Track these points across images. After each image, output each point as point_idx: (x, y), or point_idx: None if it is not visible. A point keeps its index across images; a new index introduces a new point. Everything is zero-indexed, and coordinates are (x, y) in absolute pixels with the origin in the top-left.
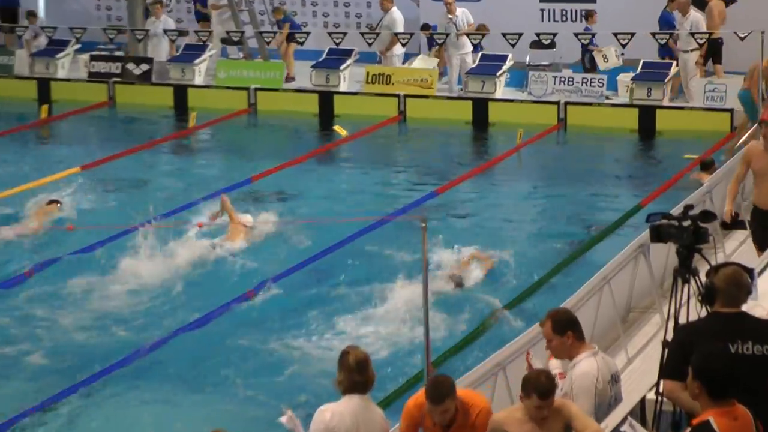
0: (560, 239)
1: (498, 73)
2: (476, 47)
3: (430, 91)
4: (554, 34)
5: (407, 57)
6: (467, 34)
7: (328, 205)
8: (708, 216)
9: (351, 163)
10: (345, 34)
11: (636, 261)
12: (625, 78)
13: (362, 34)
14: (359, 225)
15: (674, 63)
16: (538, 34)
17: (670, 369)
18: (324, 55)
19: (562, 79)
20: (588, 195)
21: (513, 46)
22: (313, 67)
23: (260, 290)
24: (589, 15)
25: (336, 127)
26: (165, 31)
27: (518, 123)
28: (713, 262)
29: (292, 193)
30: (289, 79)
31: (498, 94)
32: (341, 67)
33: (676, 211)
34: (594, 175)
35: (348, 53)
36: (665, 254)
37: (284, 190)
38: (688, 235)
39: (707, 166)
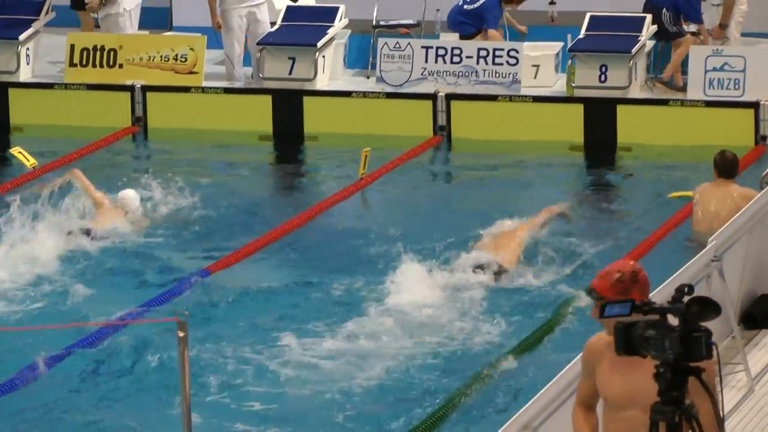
0: (448, 361)
1: (319, 43)
2: None
3: (192, 79)
4: None
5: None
6: None
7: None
8: (708, 307)
9: (42, 211)
10: None
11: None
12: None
13: None
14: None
15: (647, 18)
16: None
17: None
18: None
19: (442, 52)
20: (487, 276)
21: None
22: None
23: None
24: None
25: (16, 151)
26: None
27: (360, 135)
28: (722, 397)
29: None
30: None
31: (320, 83)
32: (21, 37)
33: (659, 296)
34: (501, 233)
35: (33, 9)
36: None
37: None
38: (671, 344)
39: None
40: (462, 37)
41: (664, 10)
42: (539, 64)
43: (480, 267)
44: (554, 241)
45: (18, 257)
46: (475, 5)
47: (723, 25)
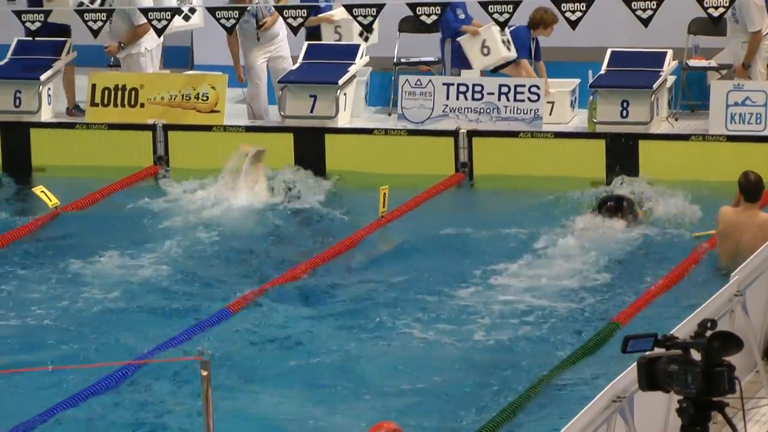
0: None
1: (340, 81)
2: (296, 31)
3: (214, 118)
4: (446, 4)
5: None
6: (281, 9)
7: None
8: (730, 342)
9: (65, 250)
10: (48, 12)
11: (608, 428)
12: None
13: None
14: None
15: (668, 53)
16: (413, 5)
17: None
18: (9, 53)
19: (463, 89)
20: (515, 307)
21: (367, 29)
22: None
23: None
24: None
25: (39, 190)
26: None
27: (380, 174)
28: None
29: None
30: None
31: (341, 121)
32: (42, 77)
33: (682, 331)
34: (525, 272)
35: (55, 49)
36: (663, 412)
37: None
38: (693, 378)
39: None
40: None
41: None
42: (554, 101)
43: None
44: (576, 274)
45: (40, 295)
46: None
47: (746, 66)
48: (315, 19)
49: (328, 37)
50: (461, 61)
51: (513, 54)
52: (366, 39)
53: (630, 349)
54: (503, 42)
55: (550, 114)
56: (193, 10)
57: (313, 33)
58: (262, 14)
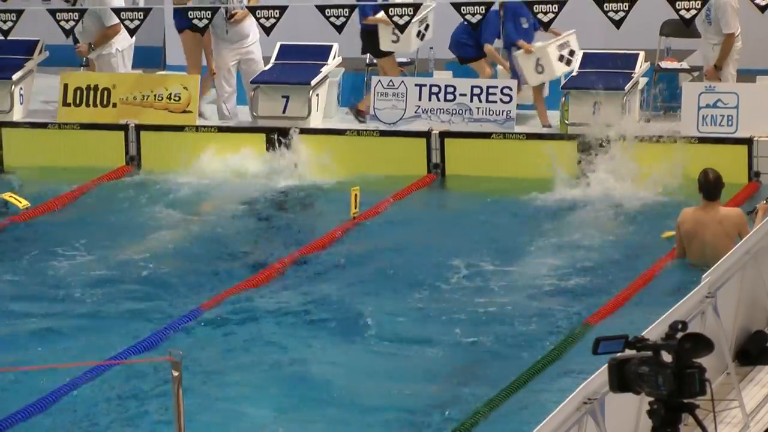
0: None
1: (312, 82)
2: (268, 32)
3: (186, 118)
4: (489, 4)
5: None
6: (253, 9)
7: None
8: (701, 344)
9: (36, 251)
10: (20, 12)
11: (579, 430)
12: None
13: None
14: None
15: (640, 55)
16: (385, 5)
17: None
18: None
19: (435, 90)
20: (487, 309)
21: (339, 29)
22: None
23: None
24: None
25: (7, 196)
26: None
27: (352, 174)
28: None
29: None
30: None
31: (313, 122)
32: (14, 77)
33: (653, 333)
34: (496, 270)
35: (27, 49)
36: (634, 414)
37: None
38: (664, 380)
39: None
40: (461, 60)
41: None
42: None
43: None
44: (547, 276)
45: (10, 295)
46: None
47: (717, 67)
48: (372, 19)
49: (385, 37)
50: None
51: (570, 68)
52: (422, 38)
53: (601, 351)
54: (560, 58)
55: (395, 42)
56: (428, 27)
57: (368, 31)
58: (233, 6)
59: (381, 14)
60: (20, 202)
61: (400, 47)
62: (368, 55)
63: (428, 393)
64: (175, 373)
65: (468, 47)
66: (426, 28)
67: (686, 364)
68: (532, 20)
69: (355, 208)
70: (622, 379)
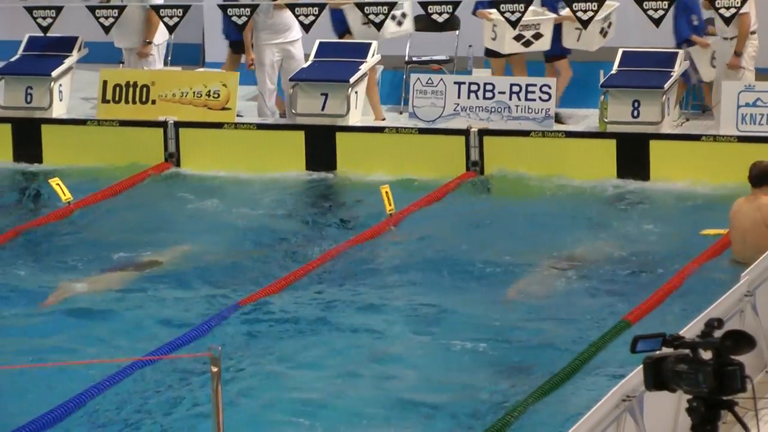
0: (482, 394)
1: (351, 79)
2: (307, 29)
3: (225, 115)
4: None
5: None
6: (292, 6)
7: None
8: (743, 341)
9: (74, 246)
10: (59, 8)
11: (618, 427)
12: None
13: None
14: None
15: (679, 54)
16: (425, 3)
17: None
18: (20, 50)
19: (474, 88)
20: (528, 310)
21: (378, 27)
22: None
23: None
24: None
25: (54, 182)
26: None
27: (389, 172)
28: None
29: None
30: None
31: (352, 119)
32: (54, 74)
33: (690, 331)
34: (536, 269)
35: (66, 46)
36: (673, 411)
37: None
38: (704, 378)
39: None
40: (548, 58)
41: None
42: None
43: None
44: (586, 272)
45: (51, 289)
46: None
47: (738, 54)
48: (480, 14)
49: (487, 34)
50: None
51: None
52: (605, 36)
53: (639, 349)
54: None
55: (578, 40)
56: (405, 15)
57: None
58: None
59: (566, 11)
60: (64, 194)
61: (583, 45)
62: (407, 53)
63: (468, 386)
64: (214, 369)
65: (554, 43)
66: (609, 26)
67: (727, 362)
68: (700, 18)
69: (390, 205)
70: (658, 378)
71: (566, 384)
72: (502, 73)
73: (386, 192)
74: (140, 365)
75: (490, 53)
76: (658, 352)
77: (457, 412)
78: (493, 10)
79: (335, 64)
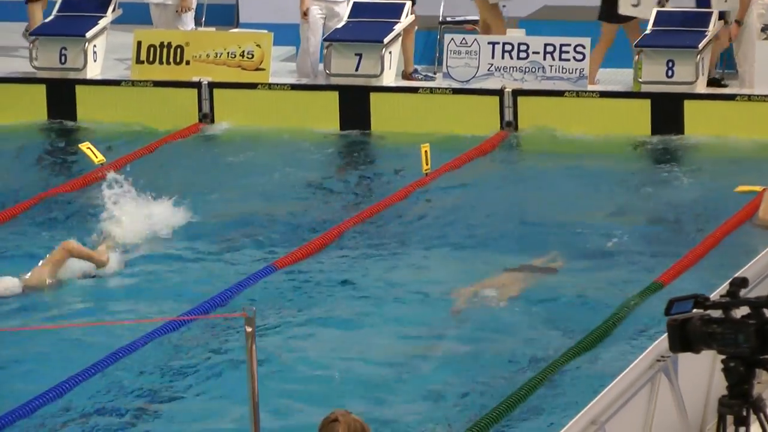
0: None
1: (385, 40)
2: None
3: (259, 75)
4: None
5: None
6: None
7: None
8: None
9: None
10: None
11: (652, 387)
12: None
13: None
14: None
15: (713, 13)
16: None
17: None
18: (55, 11)
19: (508, 48)
20: (566, 268)
21: None
22: (31, 34)
23: None
24: None
25: (85, 146)
26: None
27: (423, 132)
28: None
29: None
30: None
31: (386, 79)
32: (88, 35)
33: (720, 292)
34: (571, 228)
35: (100, 6)
36: (707, 372)
37: None
38: (746, 338)
39: None
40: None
41: None
42: None
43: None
44: (620, 233)
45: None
46: None
47: (739, 22)
48: None
49: (625, 2)
50: None
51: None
52: (662, 6)
53: (674, 312)
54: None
55: (634, 6)
56: None
57: None
58: None
59: None
60: (96, 156)
61: (640, 12)
62: (441, 13)
63: (505, 340)
64: (249, 329)
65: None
66: None
67: (766, 320)
68: None
69: (427, 164)
70: (686, 338)
71: (599, 345)
72: (612, 39)
73: (425, 150)
74: (175, 325)
75: (606, 17)
76: (681, 315)
77: (496, 363)
78: None
79: (369, 24)
